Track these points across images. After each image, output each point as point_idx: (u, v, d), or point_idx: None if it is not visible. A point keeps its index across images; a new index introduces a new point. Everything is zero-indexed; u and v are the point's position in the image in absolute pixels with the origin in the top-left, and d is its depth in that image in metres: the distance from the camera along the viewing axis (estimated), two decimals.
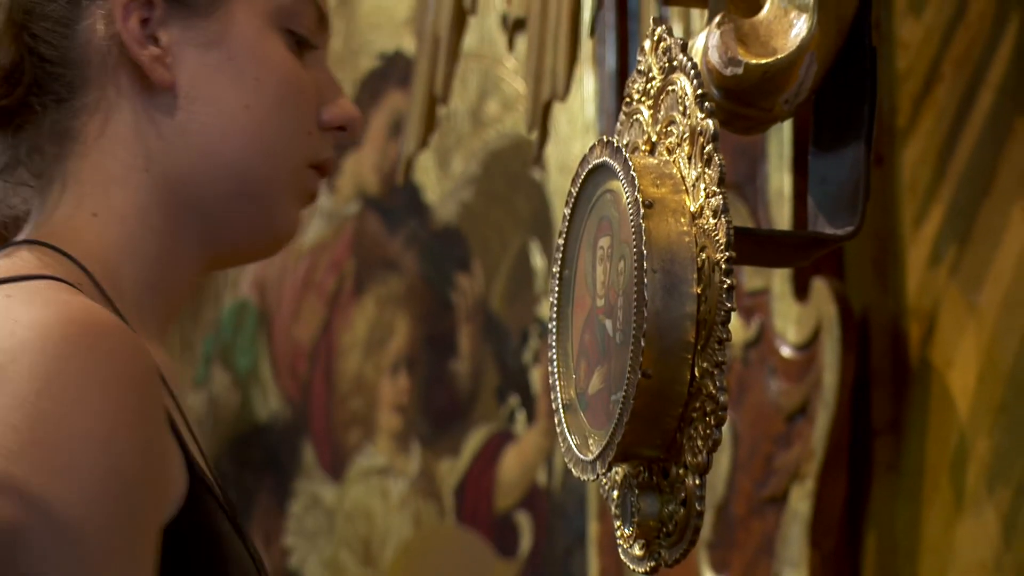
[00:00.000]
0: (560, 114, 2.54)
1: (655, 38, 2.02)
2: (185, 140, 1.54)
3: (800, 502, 2.40)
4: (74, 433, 1.37)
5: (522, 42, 2.40)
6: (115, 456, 1.38)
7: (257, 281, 3.68)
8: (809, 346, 2.44)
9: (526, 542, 3.10)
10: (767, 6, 1.98)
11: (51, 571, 1.37)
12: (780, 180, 2.46)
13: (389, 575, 3.31)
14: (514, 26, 2.45)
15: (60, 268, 1.53)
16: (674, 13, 2.57)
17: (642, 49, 2.06)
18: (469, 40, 2.59)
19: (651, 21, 2.09)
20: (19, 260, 1.58)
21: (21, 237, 1.63)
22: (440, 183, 3.30)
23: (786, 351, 2.47)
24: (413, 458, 3.33)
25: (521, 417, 3.12)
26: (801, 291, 2.45)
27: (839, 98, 2.10)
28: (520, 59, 2.48)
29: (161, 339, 1.61)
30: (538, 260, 3.00)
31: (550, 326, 2.10)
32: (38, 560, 1.36)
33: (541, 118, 2.40)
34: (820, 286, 2.43)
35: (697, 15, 2.33)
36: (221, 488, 1.55)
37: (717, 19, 2.00)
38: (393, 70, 3.40)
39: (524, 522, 3.10)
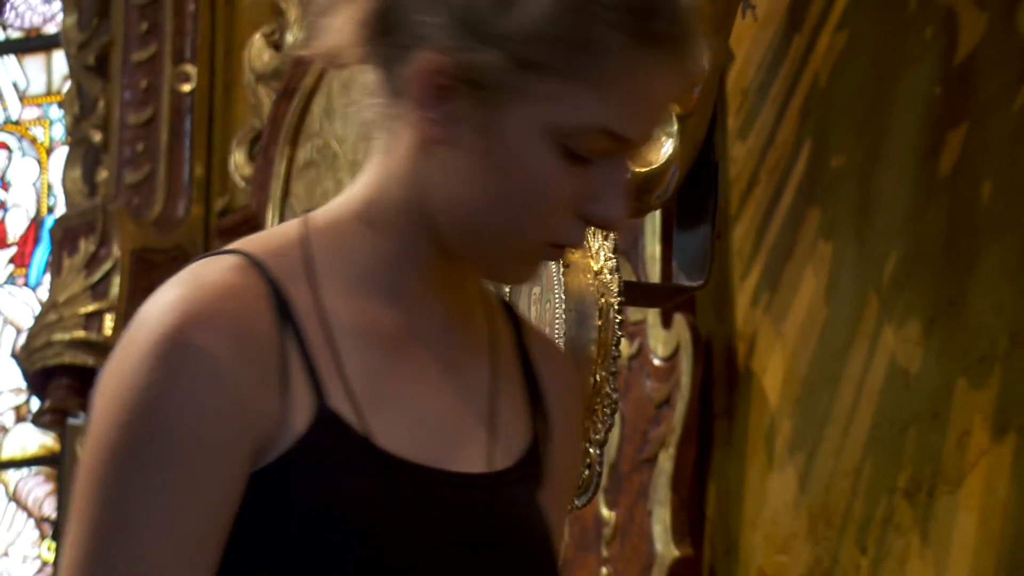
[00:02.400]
0: None
1: None
2: (440, 188, 1.41)
3: (665, 463, 2.43)
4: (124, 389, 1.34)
5: None
6: (163, 415, 1.32)
7: None
8: (672, 358, 2.44)
9: None
10: None
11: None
12: (654, 248, 2.47)
13: None
14: None
15: (280, 240, 1.46)
16: None
17: None
18: None
19: None
20: (274, 231, 1.58)
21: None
22: None
23: (656, 362, 2.46)
24: None
25: None
26: (667, 322, 2.46)
27: (693, 194, 2.12)
28: None
29: (398, 300, 1.44)
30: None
31: None
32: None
33: None
34: (679, 319, 2.45)
35: None
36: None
37: None
38: None
39: None
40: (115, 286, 3.89)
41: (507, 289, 2.14)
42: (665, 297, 2.35)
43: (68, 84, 4.70)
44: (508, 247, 1.43)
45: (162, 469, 1.32)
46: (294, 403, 1.35)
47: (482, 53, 1.37)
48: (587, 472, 2.11)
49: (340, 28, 1.44)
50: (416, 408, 1.43)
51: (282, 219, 3.73)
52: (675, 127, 1.95)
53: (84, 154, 4.35)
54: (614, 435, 2.42)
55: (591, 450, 2.08)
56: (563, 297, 2.05)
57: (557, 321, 2.04)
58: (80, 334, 4.02)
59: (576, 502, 2.06)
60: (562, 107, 1.36)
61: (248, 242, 1.45)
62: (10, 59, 6.13)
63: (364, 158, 1.45)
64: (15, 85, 6.13)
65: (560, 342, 2.03)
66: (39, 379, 4.17)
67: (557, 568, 1.45)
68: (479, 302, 1.52)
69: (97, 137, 4.29)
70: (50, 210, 5.70)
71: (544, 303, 2.14)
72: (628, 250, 2.47)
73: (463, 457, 1.42)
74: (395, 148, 1.43)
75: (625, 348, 2.39)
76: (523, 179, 1.39)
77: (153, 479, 1.32)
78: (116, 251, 3.95)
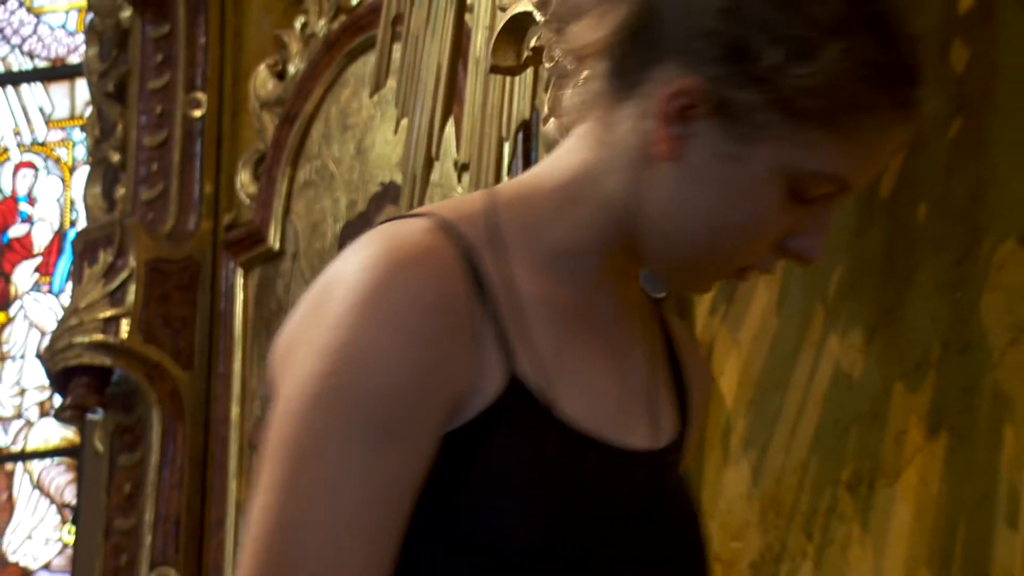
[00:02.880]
0: None
1: None
2: (659, 201, 1.37)
3: None
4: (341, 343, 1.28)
5: (466, 178, 2.40)
6: (373, 368, 1.26)
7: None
8: None
9: None
10: None
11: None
12: None
13: None
14: (461, 168, 2.41)
15: (469, 209, 1.41)
16: None
17: None
18: (434, 176, 2.56)
19: None
20: (461, 199, 1.57)
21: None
22: None
23: None
24: None
25: None
26: None
27: None
28: (465, 187, 2.48)
29: (582, 282, 1.41)
30: None
31: None
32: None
33: None
34: None
35: None
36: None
37: None
38: (389, 192, 3.38)
39: None
40: (131, 293, 3.91)
41: None
42: None
43: (89, 109, 4.70)
44: (707, 267, 1.43)
45: (361, 422, 1.27)
46: (485, 367, 1.32)
47: (748, 92, 1.34)
48: None
49: (590, 30, 1.40)
50: (593, 384, 1.40)
51: (283, 234, 3.74)
52: None
53: (104, 173, 4.37)
54: None
55: None
56: None
57: None
58: (99, 337, 4.02)
59: None
60: (809, 153, 1.35)
61: (439, 207, 1.43)
62: (37, 86, 6.15)
63: (567, 135, 1.42)
64: (41, 110, 6.14)
65: None
66: (61, 378, 4.16)
67: (704, 547, 1.46)
68: (638, 292, 1.51)
69: (115, 158, 4.31)
70: (72, 224, 5.76)
71: None
72: None
73: (632, 434, 1.40)
74: (611, 144, 1.39)
75: None
76: (748, 213, 1.36)
77: (352, 431, 1.27)
78: (132, 261, 3.97)
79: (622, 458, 1.38)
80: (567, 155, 1.43)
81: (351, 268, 1.30)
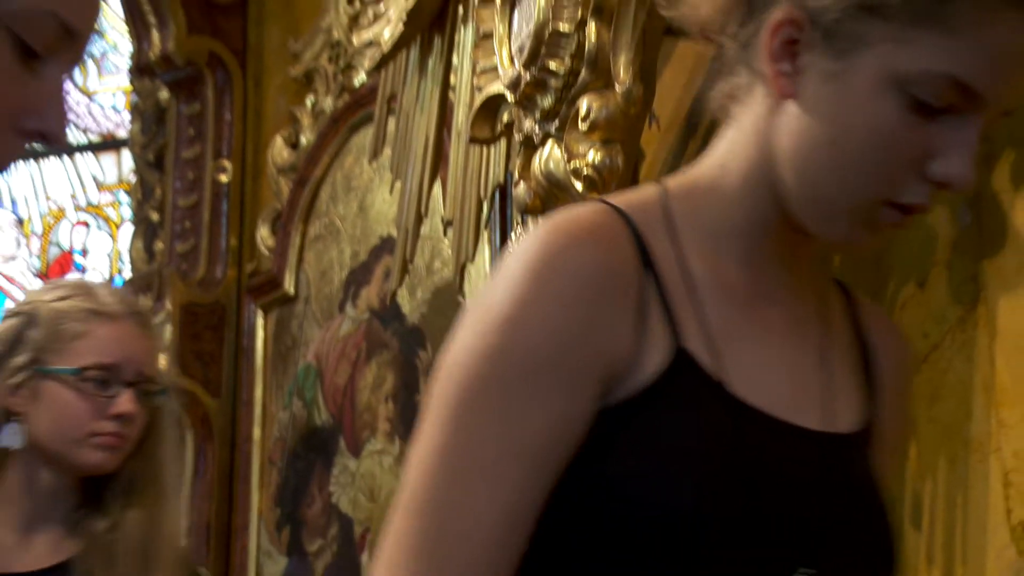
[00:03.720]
0: (471, 268, 2.51)
1: (519, 235, 2.06)
2: (786, 142, 1.25)
3: None
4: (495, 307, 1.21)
5: (451, 231, 2.42)
6: (523, 333, 1.19)
7: (316, 354, 3.63)
8: None
9: None
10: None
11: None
12: None
13: (383, 506, 3.22)
14: (447, 223, 2.45)
15: (640, 199, 1.32)
16: None
17: (514, 239, 2.14)
18: (424, 230, 2.59)
19: (517, 226, 2.16)
20: (632, 192, 1.43)
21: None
22: (410, 303, 3.30)
23: None
24: (395, 445, 3.27)
25: None
26: None
27: None
28: (450, 240, 2.48)
29: (748, 261, 1.30)
30: None
31: None
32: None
33: (460, 270, 2.44)
34: None
35: None
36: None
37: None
38: (387, 244, 3.33)
39: None
40: (168, 333, 3.88)
41: None
42: None
43: (134, 176, 4.71)
44: (847, 206, 1.27)
45: (515, 377, 1.19)
46: (649, 343, 1.22)
47: (837, 3, 1.21)
48: None
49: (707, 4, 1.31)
50: (764, 362, 1.29)
51: (297, 281, 3.76)
52: None
53: (145, 230, 4.40)
54: None
55: None
56: None
57: None
58: None
59: None
60: (908, 52, 1.21)
61: (611, 197, 1.35)
62: (89, 156, 6.18)
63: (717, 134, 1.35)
64: (94, 176, 6.17)
65: None
66: None
67: (892, 536, 1.33)
68: (814, 276, 1.39)
69: (155, 216, 4.35)
70: (119, 273, 5.75)
71: None
72: None
73: (803, 414, 1.29)
74: (745, 115, 1.30)
75: None
76: (866, 130, 1.23)
77: (506, 387, 1.20)
78: (169, 305, 3.97)
79: (790, 434, 1.27)
80: (719, 144, 1.35)
81: (523, 243, 1.24)
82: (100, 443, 2.15)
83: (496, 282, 1.25)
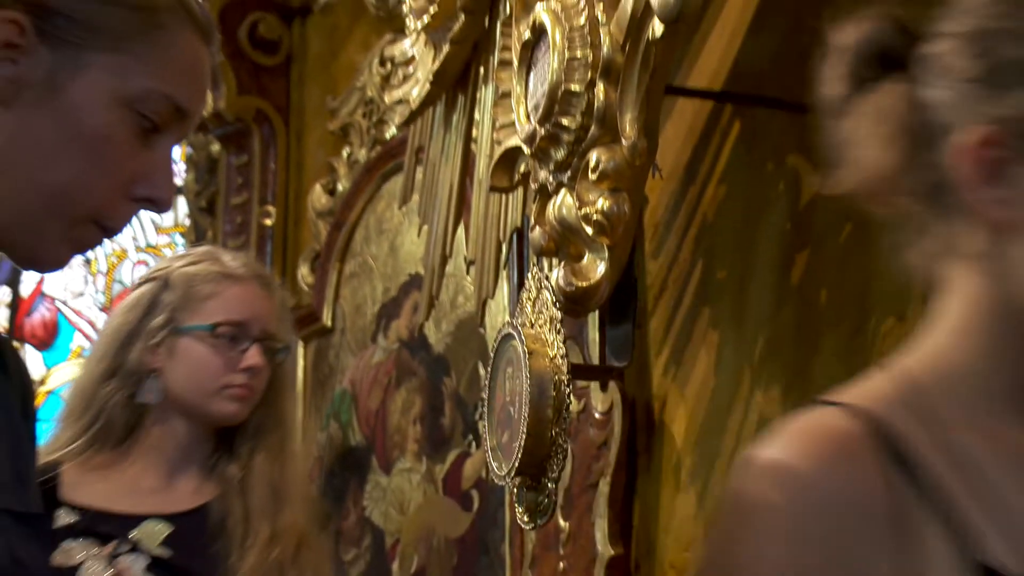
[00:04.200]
0: (491, 303, 2.52)
1: (534, 274, 2.09)
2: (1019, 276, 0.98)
3: (604, 487, 2.37)
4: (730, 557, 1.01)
5: (473, 270, 2.42)
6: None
7: (351, 380, 3.61)
8: (608, 413, 2.38)
9: (475, 505, 3.02)
10: (585, 257, 1.92)
11: None
12: (594, 336, 2.38)
13: (411, 519, 3.25)
14: (469, 263, 2.44)
15: (879, 390, 1.04)
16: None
17: (530, 277, 2.12)
18: (448, 268, 2.56)
19: (533, 266, 2.21)
20: (868, 384, 1.09)
21: None
22: (436, 334, 3.28)
23: (597, 415, 2.40)
24: (423, 464, 3.25)
25: (474, 447, 3.05)
26: (604, 387, 2.39)
27: (620, 300, 2.15)
28: (472, 278, 2.47)
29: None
30: (481, 372, 2.89)
31: (483, 407, 2.18)
32: None
33: (481, 306, 2.42)
34: (613, 385, 2.37)
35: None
36: None
37: (562, 264, 1.96)
38: (415, 281, 3.33)
39: (475, 495, 3.03)
40: None
41: (491, 356, 2.15)
42: (602, 373, 2.33)
43: (188, 220, 4.70)
44: None
45: None
46: (925, 563, 0.95)
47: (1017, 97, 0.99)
48: (547, 500, 2.06)
49: (870, 152, 1.07)
50: None
51: (334, 314, 3.76)
52: (606, 254, 1.90)
53: None
54: (568, 468, 2.38)
55: (548, 484, 2.03)
56: (527, 375, 1.99)
57: (525, 392, 1.99)
58: None
59: (539, 521, 2.08)
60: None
61: (847, 394, 1.06)
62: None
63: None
64: (152, 221, 6.16)
65: (527, 407, 1.98)
66: None
67: None
68: None
69: None
70: None
71: (514, 379, 2.08)
72: (575, 336, 2.44)
73: None
74: (959, 268, 1.04)
75: (575, 406, 2.33)
76: None
77: None
78: None
79: None
80: (941, 309, 1.07)
81: (753, 469, 1.02)
82: (232, 394, 2.18)
83: (719, 528, 1.06)
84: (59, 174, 1.09)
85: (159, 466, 2.19)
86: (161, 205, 1.17)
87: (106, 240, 1.20)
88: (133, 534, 2.08)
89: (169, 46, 1.13)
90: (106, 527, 2.07)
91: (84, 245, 1.16)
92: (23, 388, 1.22)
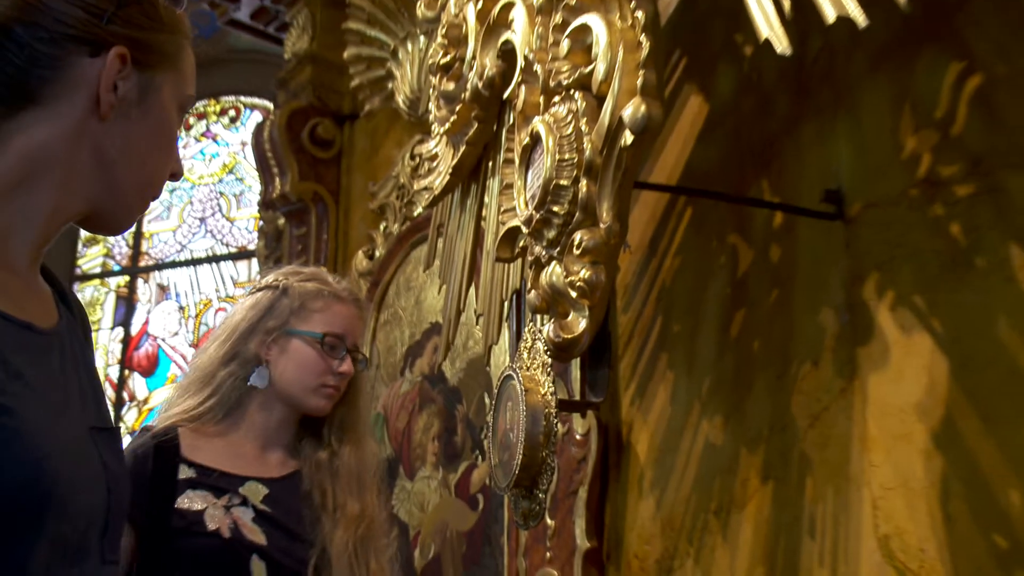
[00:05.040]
0: (496, 348, 2.50)
1: (530, 327, 2.07)
2: None
3: (583, 494, 2.37)
4: None
5: (482, 320, 2.38)
6: None
7: (384, 405, 3.56)
8: (586, 435, 2.39)
9: (481, 505, 3.00)
10: (570, 315, 1.87)
11: None
12: (576, 376, 2.39)
13: (430, 516, 3.21)
14: (478, 315, 2.40)
15: None
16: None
17: (526, 330, 2.10)
18: (462, 319, 2.51)
19: (529, 321, 2.16)
20: None
21: None
22: (451, 370, 3.27)
23: (578, 437, 2.40)
24: (439, 472, 3.22)
25: (480, 460, 3.05)
26: (584, 416, 2.41)
27: (597, 348, 2.12)
28: (480, 327, 2.41)
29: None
30: (487, 401, 2.91)
31: (488, 430, 2.11)
32: None
33: (488, 349, 2.38)
34: (591, 414, 2.39)
35: None
36: None
37: (552, 320, 1.92)
38: (435, 328, 3.35)
39: (480, 498, 3.02)
40: None
41: (495, 391, 2.14)
42: (582, 406, 2.30)
43: (259, 276, 4.70)
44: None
45: None
46: None
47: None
48: (538, 507, 2.04)
49: None
50: None
51: (371, 354, 3.73)
52: (587, 313, 1.88)
53: None
54: (555, 480, 2.35)
55: (539, 495, 2.01)
56: (524, 409, 1.98)
57: (521, 422, 1.98)
58: None
59: (532, 523, 2.04)
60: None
61: None
62: (229, 263, 6.17)
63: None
64: (231, 277, 6.14)
65: (523, 433, 1.96)
66: None
67: None
68: None
69: None
70: None
71: (513, 411, 2.06)
72: (563, 376, 2.43)
73: None
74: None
75: (560, 430, 2.34)
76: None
77: None
78: None
79: None
80: None
81: None
82: (326, 392, 2.16)
83: None
84: (151, 166, 1.13)
85: (256, 440, 2.16)
86: (179, 175, 1.21)
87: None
88: (241, 490, 2.06)
89: (188, 57, 1.18)
90: (220, 483, 2.06)
91: (138, 213, 1.20)
92: (84, 324, 1.22)
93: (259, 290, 2.27)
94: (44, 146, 1.08)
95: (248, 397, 2.17)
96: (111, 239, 6.62)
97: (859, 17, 1.40)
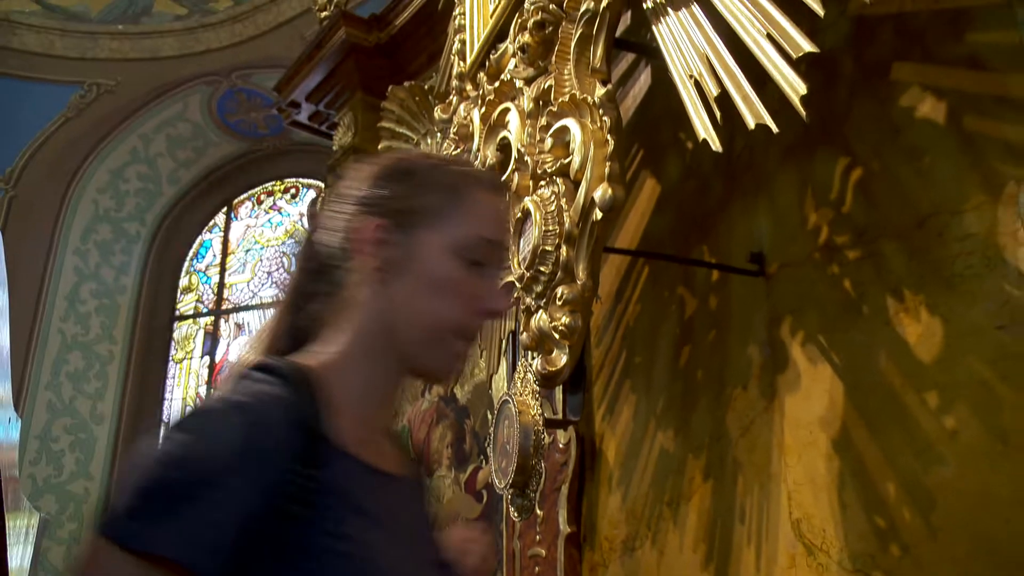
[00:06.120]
0: (495, 376, 2.48)
1: (523, 362, 2.07)
2: None
3: (565, 489, 2.29)
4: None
5: (484, 354, 2.36)
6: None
7: (408, 419, 3.45)
8: (567, 444, 2.31)
9: (484, 499, 2.92)
10: (554, 352, 1.86)
11: None
12: (560, 398, 2.32)
13: (444, 506, 3.12)
14: (482, 350, 2.36)
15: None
16: None
17: (520, 364, 2.12)
18: (469, 352, 2.56)
19: (522, 356, 2.15)
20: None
21: None
22: (461, 393, 3.20)
23: (561, 446, 2.32)
24: (452, 473, 3.15)
25: (484, 463, 2.96)
26: (565, 429, 2.32)
27: (576, 377, 2.12)
28: (484, 360, 2.36)
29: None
30: (489, 417, 2.81)
31: (490, 441, 2.14)
32: None
33: (489, 377, 2.41)
34: (570, 428, 2.31)
35: None
36: None
37: (540, 356, 1.90)
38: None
39: (484, 493, 2.93)
40: None
41: (496, 410, 2.13)
42: (564, 423, 2.29)
43: None
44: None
45: None
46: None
47: None
48: (530, 503, 2.04)
49: None
50: None
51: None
52: (567, 350, 1.87)
53: None
54: (543, 481, 2.34)
55: (530, 494, 2.00)
56: (518, 427, 1.98)
57: (516, 437, 1.97)
58: None
59: (525, 516, 2.03)
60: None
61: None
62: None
63: None
64: None
65: (517, 446, 1.96)
66: None
67: None
68: None
69: None
70: None
71: (510, 429, 2.06)
72: (549, 399, 2.40)
73: None
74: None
75: (547, 441, 2.31)
76: None
77: None
78: None
79: None
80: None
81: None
82: None
83: None
84: (428, 316, 0.96)
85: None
86: (500, 314, 1.05)
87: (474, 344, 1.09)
88: None
89: (469, 204, 1.00)
90: None
91: (459, 355, 1.01)
92: (421, 476, 1.13)
93: None
94: (355, 319, 0.98)
95: None
96: (200, 287, 6.60)
97: (772, 124, 1.44)
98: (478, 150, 2.25)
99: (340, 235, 1.00)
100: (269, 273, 6.43)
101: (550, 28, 1.93)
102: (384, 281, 0.97)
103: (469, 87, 2.37)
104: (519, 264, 2.00)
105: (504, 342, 2.34)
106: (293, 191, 6.65)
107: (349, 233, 0.99)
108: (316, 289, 1.00)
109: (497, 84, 2.14)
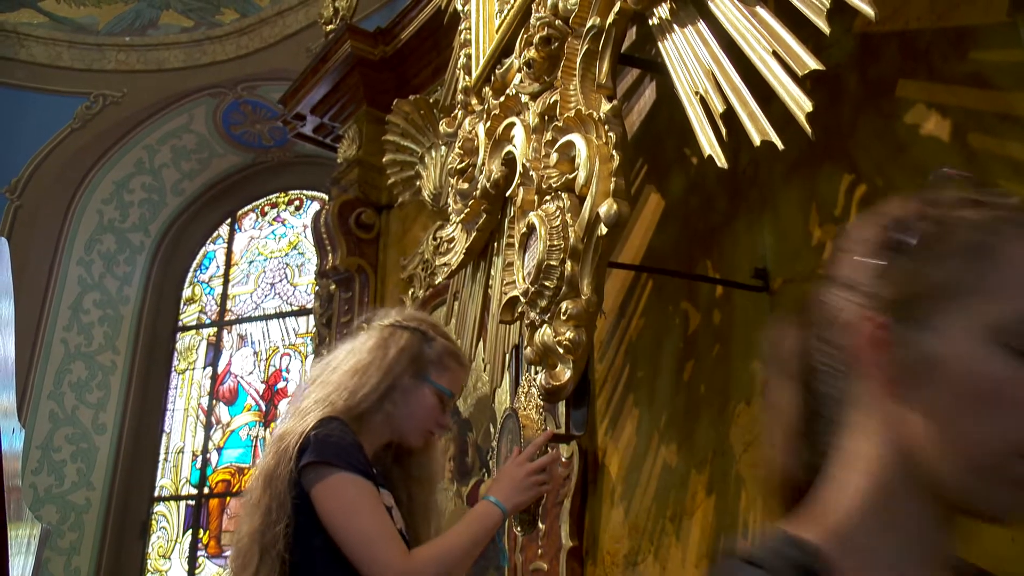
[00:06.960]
0: (499, 389, 2.45)
1: (527, 376, 2.06)
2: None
3: (567, 503, 2.30)
4: None
5: (488, 367, 2.32)
6: None
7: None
8: (571, 458, 2.32)
9: None
10: (558, 367, 1.85)
11: None
12: (564, 413, 2.30)
13: (447, 519, 2.95)
14: (486, 364, 2.33)
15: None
16: None
17: (524, 379, 2.11)
18: (472, 366, 2.44)
19: (526, 371, 2.16)
20: None
21: None
22: (464, 406, 3.20)
23: (563, 460, 2.34)
24: (454, 485, 3.14)
25: (486, 476, 2.97)
26: (568, 443, 2.32)
27: (579, 393, 2.11)
28: (487, 373, 2.34)
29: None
30: (491, 430, 2.86)
31: (492, 454, 2.16)
32: None
33: (492, 390, 2.34)
34: (574, 442, 2.31)
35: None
36: None
37: (544, 371, 1.88)
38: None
39: None
40: None
41: (499, 424, 2.12)
42: (567, 437, 2.28)
43: (315, 330, 4.69)
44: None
45: None
46: None
47: None
48: (532, 518, 2.06)
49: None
50: None
51: None
52: (571, 365, 1.85)
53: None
54: (545, 495, 2.31)
55: (533, 507, 2.00)
56: (522, 441, 1.97)
57: (520, 447, 1.95)
58: None
59: (528, 531, 2.07)
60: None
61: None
62: (292, 319, 6.14)
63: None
64: (294, 329, 6.11)
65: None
66: None
67: None
68: None
69: (325, 353, 4.26)
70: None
71: (513, 442, 2.09)
72: (552, 413, 2.39)
73: None
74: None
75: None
76: None
77: None
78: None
79: None
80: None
81: None
82: (426, 436, 1.96)
83: None
84: (974, 438, 0.68)
85: (368, 448, 1.88)
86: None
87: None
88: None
89: (1005, 265, 0.68)
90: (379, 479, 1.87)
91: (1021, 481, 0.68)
92: None
93: (402, 328, 2.00)
94: (864, 455, 0.74)
95: (370, 416, 1.92)
96: (204, 298, 6.63)
97: (777, 140, 1.43)
98: (483, 164, 2.25)
99: (836, 332, 0.76)
100: (272, 285, 6.46)
101: (556, 44, 1.92)
102: (899, 397, 0.70)
103: (474, 101, 2.38)
104: (523, 279, 2.00)
105: (507, 356, 2.32)
106: (297, 203, 6.68)
107: (845, 332, 0.74)
108: (820, 410, 0.76)
109: (503, 99, 2.14)
